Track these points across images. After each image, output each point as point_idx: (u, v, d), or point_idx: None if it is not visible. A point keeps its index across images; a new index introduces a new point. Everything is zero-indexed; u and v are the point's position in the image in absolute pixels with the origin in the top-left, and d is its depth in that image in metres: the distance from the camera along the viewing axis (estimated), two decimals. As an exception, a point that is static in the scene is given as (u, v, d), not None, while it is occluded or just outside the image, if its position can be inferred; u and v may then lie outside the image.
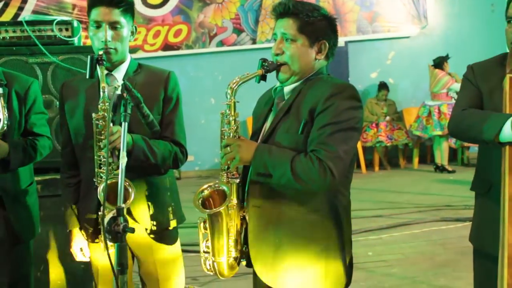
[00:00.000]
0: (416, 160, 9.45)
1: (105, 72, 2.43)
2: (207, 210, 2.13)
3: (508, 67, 2.13)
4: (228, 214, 2.14)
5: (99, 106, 2.34)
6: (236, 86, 2.11)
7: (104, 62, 2.36)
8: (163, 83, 2.54)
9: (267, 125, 2.19)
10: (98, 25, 2.42)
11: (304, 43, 2.10)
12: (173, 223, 2.64)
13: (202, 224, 2.19)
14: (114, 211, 1.76)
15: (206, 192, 2.20)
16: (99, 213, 2.38)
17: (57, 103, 3.52)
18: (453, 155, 9.36)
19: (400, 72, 9.94)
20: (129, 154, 2.19)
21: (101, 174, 2.38)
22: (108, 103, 2.33)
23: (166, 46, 9.74)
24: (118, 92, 1.99)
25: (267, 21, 9.59)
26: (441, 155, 8.85)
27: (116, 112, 2.40)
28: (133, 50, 9.49)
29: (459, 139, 2.49)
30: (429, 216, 6.12)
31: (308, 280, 2.07)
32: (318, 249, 2.07)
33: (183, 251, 4.89)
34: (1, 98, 2.55)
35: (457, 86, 8.63)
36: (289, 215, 2.08)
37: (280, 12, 2.13)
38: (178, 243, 2.71)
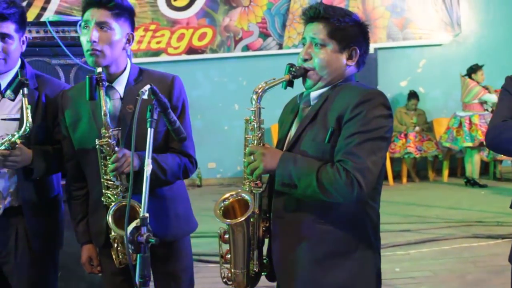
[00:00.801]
0: (446, 172, 9.34)
1: (106, 84, 2.37)
2: (228, 220, 2.11)
3: None
4: (250, 225, 2.12)
5: (102, 132, 2.32)
6: (262, 92, 2.09)
7: (105, 83, 2.32)
8: (167, 91, 2.46)
9: (292, 132, 2.16)
10: (87, 25, 2.37)
11: (334, 49, 2.08)
12: (186, 233, 2.63)
13: (222, 235, 2.18)
14: (137, 220, 1.75)
15: (228, 201, 2.18)
16: (110, 235, 2.40)
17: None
18: (484, 168, 9.24)
19: (431, 81, 9.84)
20: (137, 174, 2.14)
21: (108, 195, 2.38)
22: (111, 130, 2.32)
23: (190, 50, 9.76)
24: (145, 96, 1.98)
25: (295, 25, 9.58)
26: (472, 168, 8.73)
27: (120, 126, 2.41)
28: (156, 53, 9.57)
29: (498, 151, 2.44)
30: (459, 232, 6.02)
31: None
32: (346, 263, 2.04)
33: (203, 261, 4.95)
34: (25, 98, 2.46)
35: (489, 96, 8.53)
36: (315, 228, 2.05)
37: (311, 16, 2.11)
38: (190, 250, 2.69)
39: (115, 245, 2.41)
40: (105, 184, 2.37)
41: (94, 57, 2.35)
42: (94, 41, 2.33)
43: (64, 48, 3.51)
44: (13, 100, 2.55)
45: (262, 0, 9.75)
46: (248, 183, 2.13)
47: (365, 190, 1.91)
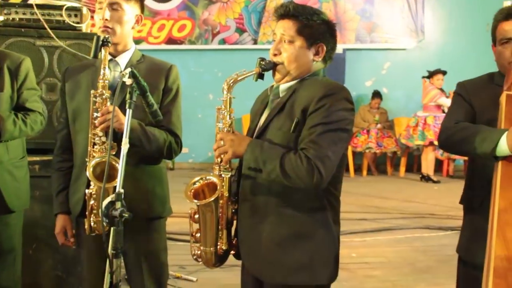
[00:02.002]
0: (403, 168, 9.48)
1: (109, 57, 2.42)
2: (197, 201, 2.12)
3: (506, 85, 2.14)
4: (218, 206, 2.12)
5: (98, 83, 2.33)
6: (233, 83, 2.10)
7: (109, 44, 2.36)
8: (165, 74, 2.52)
9: (261, 122, 2.17)
10: (100, 7, 2.46)
11: (302, 45, 2.09)
12: (159, 214, 2.57)
13: (192, 215, 2.18)
14: (113, 195, 1.74)
15: (197, 184, 2.18)
16: (86, 190, 2.32)
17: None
18: (439, 166, 9.40)
19: (394, 83, 9.96)
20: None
21: (93, 153, 2.33)
22: (108, 81, 2.33)
23: (170, 40, 9.72)
24: (126, 79, 1.96)
25: (270, 23, 9.59)
26: (427, 165, 8.88)
27: (114, 95, 2.40)
28: (137, 41, 9.44)
29: (450, 151, 2.47)
30: (412, 223, 6.12)
31: (295, 273, 2.06)
32: (305, 245, 2.05)
33: (172, 239, 4.95)
34: None
35: (443, 100, 8.68)
36: (278, 211, 2.06)
37: (281, 14, 2.12)
38: (163, 235, 2.64)
39: (90, 210, 2.32)
40: (92, 140, 2.33)
41: (105, 34, 2.41)
42: (106, 19, 2.42)
43: (49, 31, 3.45)
44: None
45: (241, -3, 9.74)
46: (217, 167, 2.14)
47: (324, 177, 1.92)
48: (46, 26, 3.46)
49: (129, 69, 1.98)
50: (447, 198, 7.27)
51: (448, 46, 9.91)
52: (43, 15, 3.50)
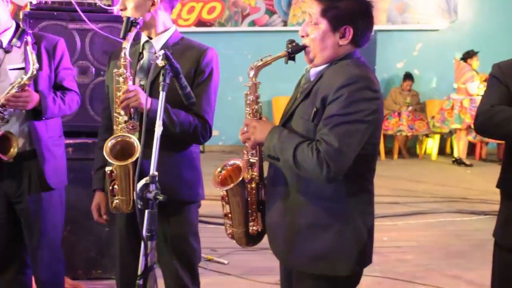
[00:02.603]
0: (435, 151, 9.34)
1: (145, 39, 2.46)
2: (224, 187, 2.13)
3: None
4: (247, 189, 2.12)
5: (119, 61, 2.35)
6: (258, 69, 2.08)
7: (137, 26, 2.37)
8: (198, 57, 2.49)
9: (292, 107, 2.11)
10: None
11: (326, 28, 1.98)
12: (189, 199, 2.56)
13: (224, 196, 2.17)
14: (148, 178, 1.75)
15: (224, 170, 2.20)
16: (107, 168, 2.35)
17: (93, 69, 3.56)
18: (471, 149, 9.24)
19: (426, 64, 9.79)
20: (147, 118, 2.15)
21: (117, 132, 2.36)
22: (128, 60, 2.35)
23: (199, 22, 9.70)
24: (158, 61, 1.95)
25: (300, 4, 9.49)
26: (460, 149, 8.74)
27: (147, 76, 2.41)
28: (167, 24, 9.48)
29: (486, 135, 2.42)
30: (444, 207, 6.05)
31: (312, 262, 2.02)
32: (323, 235, 2.00)
33: (204, 222, 4.98)
34: (29, 45, 2.66)
35: (470, 85, 8.49)
36: (297, 199, 2.02)
37: None
38: (195, 220, 2.62)
39: (111, 188, 2.36)
40: (116, 119, 2.36)
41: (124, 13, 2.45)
42: (121, 9, 2.48)
43: (81, 14, 3.47)
44: (19, 47, 2.74)
45: (270, -22, 9.65)
46: (246, 152, 2.13)
47: (334, 172, 1.84)
48: (78, 9, 3.48)
49: (162, 51, 1.97)
50: (480, 182, 7.17)
51: (482, 27, 9.68)
52: (75, -2, 3.53)
